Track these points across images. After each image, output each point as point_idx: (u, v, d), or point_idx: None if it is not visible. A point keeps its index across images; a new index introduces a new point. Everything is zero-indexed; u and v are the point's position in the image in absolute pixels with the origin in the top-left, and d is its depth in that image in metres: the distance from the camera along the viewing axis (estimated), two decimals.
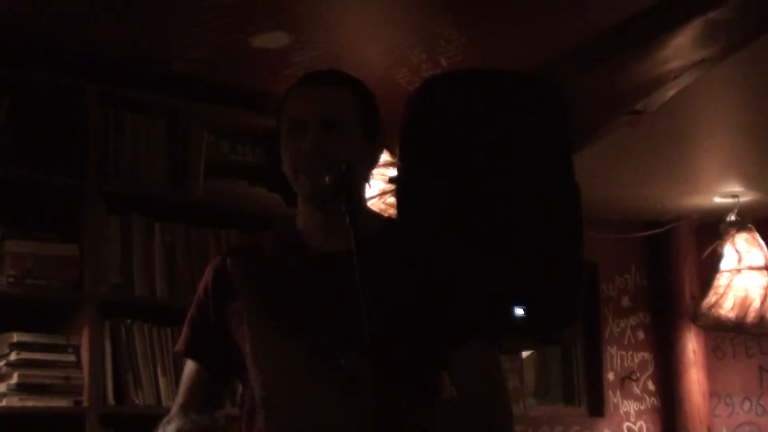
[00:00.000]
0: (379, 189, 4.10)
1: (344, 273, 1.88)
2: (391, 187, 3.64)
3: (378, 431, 1.78)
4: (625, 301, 6.63)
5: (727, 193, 5.96)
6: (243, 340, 2.15)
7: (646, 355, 6.66)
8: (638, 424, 6.56)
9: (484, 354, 2.14)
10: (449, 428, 2.10)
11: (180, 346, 2.29)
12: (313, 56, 3.92)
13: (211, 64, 4.02)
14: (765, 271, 6.01)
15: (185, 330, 2.29)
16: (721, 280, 6.07)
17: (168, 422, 2.08)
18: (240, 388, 2.29)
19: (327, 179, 2.03)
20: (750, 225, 6.07)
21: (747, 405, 6.66)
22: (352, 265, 1.85)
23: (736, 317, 6.00)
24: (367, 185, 2.31)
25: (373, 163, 2.27)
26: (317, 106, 2.16)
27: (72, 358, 3.75)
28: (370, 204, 2.85)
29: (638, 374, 6.58)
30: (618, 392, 6.51)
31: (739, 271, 6.02)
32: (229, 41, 3.83)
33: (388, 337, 1.88)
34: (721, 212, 6.12)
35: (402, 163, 2.98)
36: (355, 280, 1.84)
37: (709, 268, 6.23)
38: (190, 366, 2.27)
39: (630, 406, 6.54)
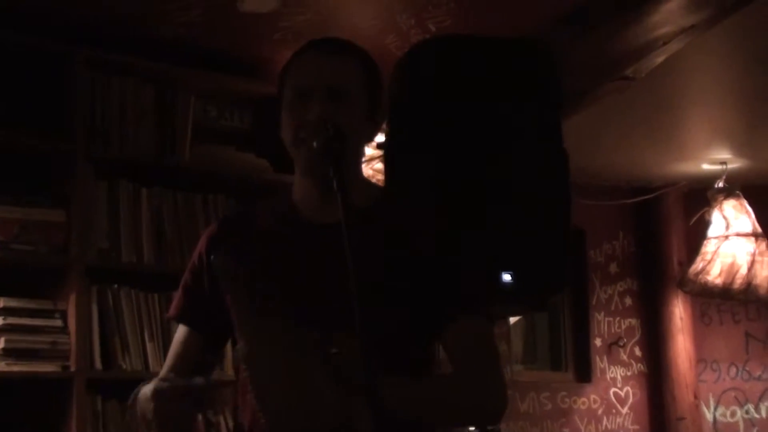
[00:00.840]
0: (366, 155, 4.09)
1: (337, 245, 1.85)
2: (379, 153, 3.63)
3: (370, 411, 1.76)
4: (613, 268, 6.64)
5: (716, 159, 5.96)
6: (234, 311, 2.12)
7: (633, 321, 6.68)
8: (625, 389, 6.59)
9: (479, 326, 2.14)
10: (445, 403, 2.10)
11: (173, 311, 2.28)
12: (302, 21, 3.89)
13: (199, 28, 3.99)
14: (752, 238, 6.03)
15: (179, 295, 2.28)
16: (708, 247, 6.08)
17: (147, 382, 2.02)
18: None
19: (314, 143, 2.02)
20: (738, 192, 6.08)
21: (733, 371, 6.69)
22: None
23: (723, 283, 6.01)
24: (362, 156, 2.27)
25: (373, 136, 2.24)
26: (324, 74, 2.11)
27: (59, 323, 3.74)
28: None
29: (625, 340, 6.61)
30: (605, 358, 6.53)
31: (726, 237, 6.04)
32: (217, 5, 3.81)
33: (380, 310, 1.87)
34: (709, 179, 6.12)
35: (390, 128, 2.97)
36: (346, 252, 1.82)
37: (697, 234, 6.25)
38: (181, 331, 2.26)
39: (617, 372, 6.57)
